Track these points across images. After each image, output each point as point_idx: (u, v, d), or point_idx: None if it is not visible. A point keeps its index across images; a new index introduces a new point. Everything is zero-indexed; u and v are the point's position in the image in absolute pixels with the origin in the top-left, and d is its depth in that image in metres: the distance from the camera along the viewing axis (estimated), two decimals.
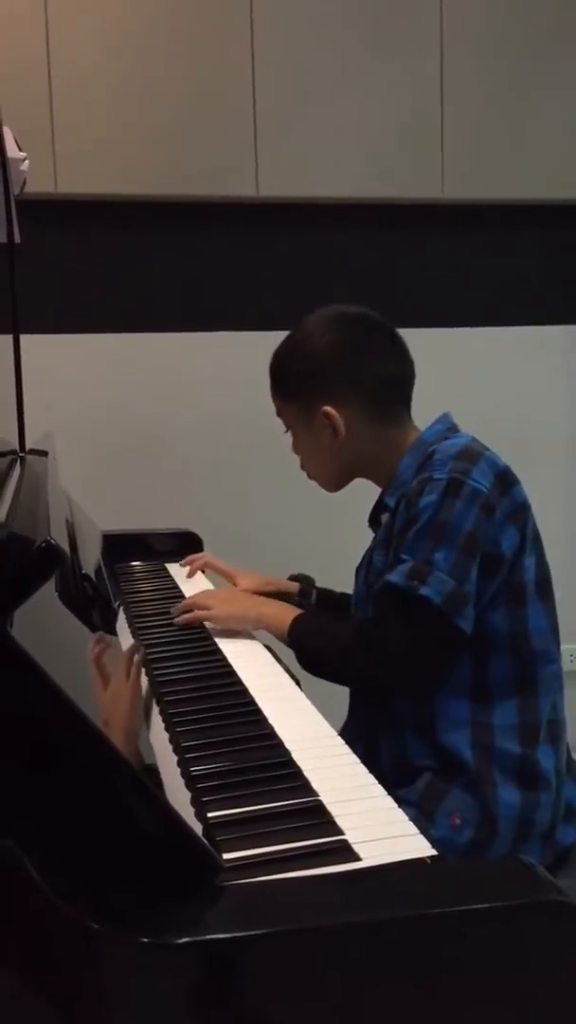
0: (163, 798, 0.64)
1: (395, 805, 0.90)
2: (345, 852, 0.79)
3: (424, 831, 1.24)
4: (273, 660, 1.37)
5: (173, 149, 2.57)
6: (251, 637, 1.48)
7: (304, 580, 1.73)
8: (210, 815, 0.86)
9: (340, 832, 0.83)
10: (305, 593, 1.71)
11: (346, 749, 1.03)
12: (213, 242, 2.68)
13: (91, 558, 1.61)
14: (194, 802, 0.90)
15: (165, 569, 1.98)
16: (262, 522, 2.63)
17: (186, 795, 0.92)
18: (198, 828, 0.83)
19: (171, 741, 1.05)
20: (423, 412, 1.48)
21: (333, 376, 1.41)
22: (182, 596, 1.71)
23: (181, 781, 0.95)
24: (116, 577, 1.92)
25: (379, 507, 1.50)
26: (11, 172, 1.33)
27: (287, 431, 1.50)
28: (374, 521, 1.52)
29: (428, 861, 0.73)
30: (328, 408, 1.40)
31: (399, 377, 1.45)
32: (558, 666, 1.36)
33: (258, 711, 1.14)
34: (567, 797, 1.36)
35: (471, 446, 1.33)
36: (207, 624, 1.49)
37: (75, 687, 0.76)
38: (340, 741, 1.06)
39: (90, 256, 2.61)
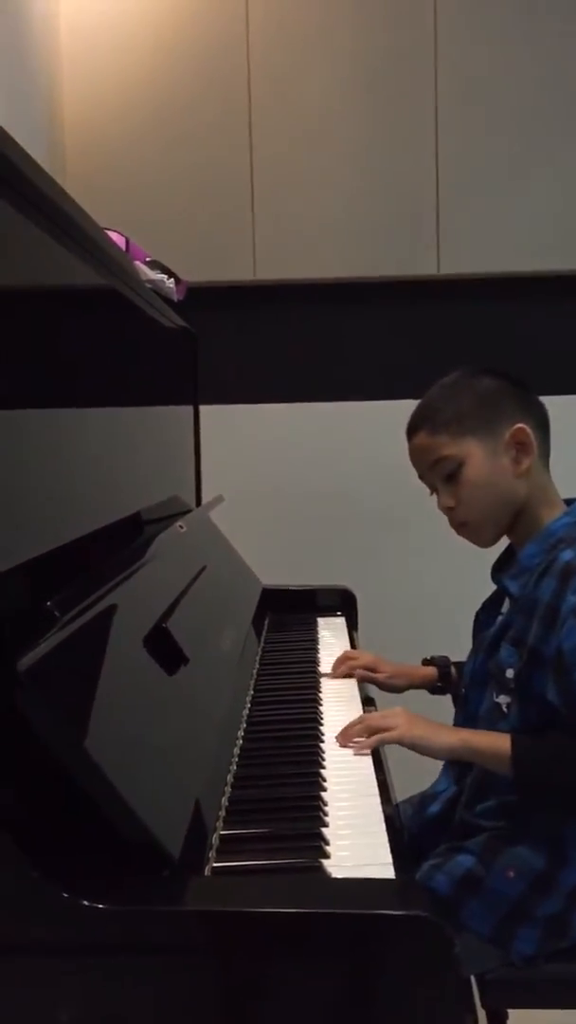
0: (131, 802, 0.82)
1: (387, 842, 1.02)
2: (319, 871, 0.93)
3: (475, 880, 1.34)
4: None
5: (361, 235, 2.78)
6: (358, 698, 1.60)
7: (440, 663, 1.74)
8: (223, 832, 1.02)
9: (325, 856, 0.97)
10: (445, 676, 1.72)
11: (375, 791, 1.16)
12: (396, 318, 2.86)
13: (228, 610, 1.83)
14: (223, 821, 1.07)
15: (315, 624, 2.15)
16: (416, 580, 2.76)
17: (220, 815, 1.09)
18: (213, 842, 1.01)
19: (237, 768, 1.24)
20: None
21: (510, 399, 1.44)
22: (314, 651, 1.88)
23: (226, 803, 1.13)
24: (272, 626, 2.13)
25: (502, 565, 1.51)
26: (155, 289, 1.59)
27: (447, 479, 1.45)
28: (498, 575, 1.50)
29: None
30: (521, 425, 1.41)
31: (546, 415, 1.49)
32: None
33: (317, 752, 1.29)
34: None
35: None
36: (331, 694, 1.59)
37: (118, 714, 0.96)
38: (374, 783, 1.19)
39: (280, 334, 2.87)
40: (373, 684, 1.72)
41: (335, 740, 1.36)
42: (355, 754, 1.32)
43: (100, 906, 0.74)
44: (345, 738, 1.36)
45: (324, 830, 1.04)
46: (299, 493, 2.82)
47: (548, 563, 1.36)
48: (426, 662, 1.76)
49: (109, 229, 1.37)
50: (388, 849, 1.00)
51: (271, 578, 2.33)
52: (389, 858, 0.98)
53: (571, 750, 1.30)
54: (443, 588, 2.70)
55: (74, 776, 0.80)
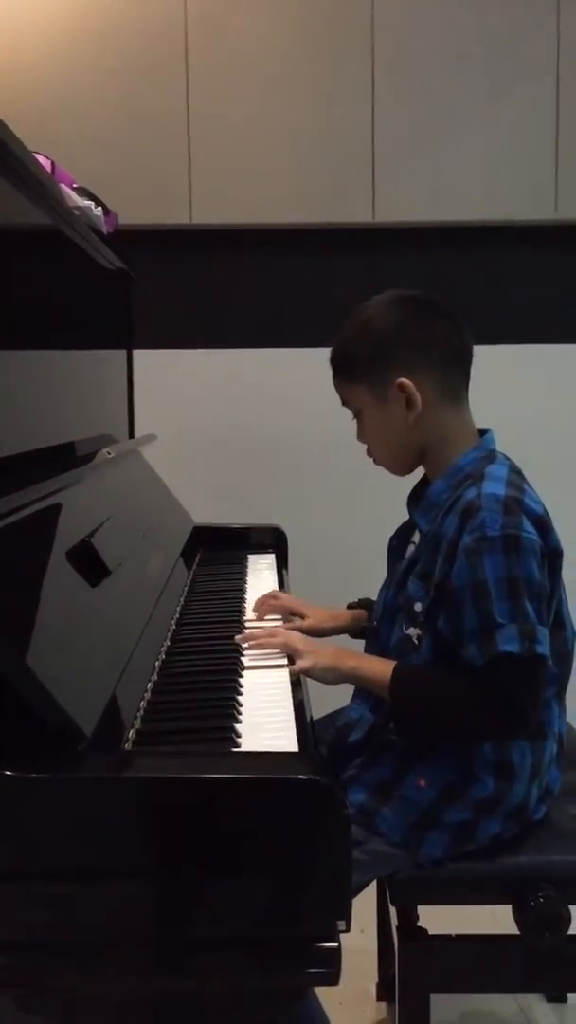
0: (50, 691, 0.87)
1: (295, 736, 1.07)
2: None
3: (388, 789, 1.40)
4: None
5: (297, 181, 2.80)
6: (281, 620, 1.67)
7: (367, 605, 1.76)
8: (140, 727, 1.08)
9: (236, 746, 1.03)
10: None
11: (288, 696, 1.22)
12: (330, 265, 2.90)
13: (156, 539, 1.87)
14: (140, 720, 1.12)
15: (245, 559, 2.20)
16: (341, 520, 2.83)
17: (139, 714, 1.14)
18: (129, 736, 1.06)
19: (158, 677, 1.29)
20: None
21: (402, 349, 1.44)
22: (242, 581, 1.93)
23: (144, 705, 1.17)
24: (203, 561, 2.17)
25: (416, 495, 1.54)
26: (84, 218, 1.59)
27: (354, 418, 1.52)
28: (411, 506, 1.54)
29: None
30: (404, 380, 1.42)
31: (463, 350, 1.50)
32: (555, 676, 1.42)
33: (236, 663, 1.34)
34: (548, 783, 1.47)
35: (512, 495, 1.35)
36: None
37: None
38: (288, 690, 1.25)
39: (216, 279, 2.89)
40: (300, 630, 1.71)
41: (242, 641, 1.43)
42: (248, 646, 1.43)
43: (8, 773, 0.79)
44: (250, 638, 1.45)
45: (236, 726, 1.09)
46: (233, 437, 2.86)
47: (454, 500, 1.39)
48: (352, 606, 1.79)
49: (33, 152, 1.37)
50: (295, 741, 1.06)
51: (204, 518, 2.38)
52: (295, 747, 1.03)
53: (446, 683, 1.36)
54: (372, 528, 2.76)
55: None
